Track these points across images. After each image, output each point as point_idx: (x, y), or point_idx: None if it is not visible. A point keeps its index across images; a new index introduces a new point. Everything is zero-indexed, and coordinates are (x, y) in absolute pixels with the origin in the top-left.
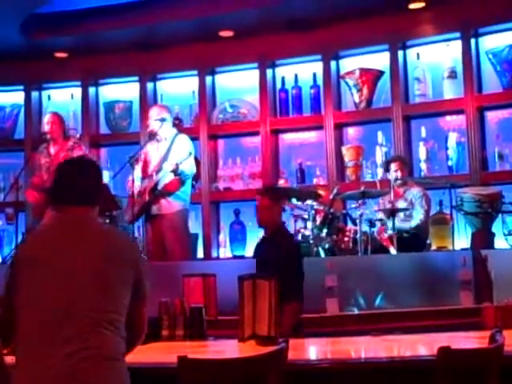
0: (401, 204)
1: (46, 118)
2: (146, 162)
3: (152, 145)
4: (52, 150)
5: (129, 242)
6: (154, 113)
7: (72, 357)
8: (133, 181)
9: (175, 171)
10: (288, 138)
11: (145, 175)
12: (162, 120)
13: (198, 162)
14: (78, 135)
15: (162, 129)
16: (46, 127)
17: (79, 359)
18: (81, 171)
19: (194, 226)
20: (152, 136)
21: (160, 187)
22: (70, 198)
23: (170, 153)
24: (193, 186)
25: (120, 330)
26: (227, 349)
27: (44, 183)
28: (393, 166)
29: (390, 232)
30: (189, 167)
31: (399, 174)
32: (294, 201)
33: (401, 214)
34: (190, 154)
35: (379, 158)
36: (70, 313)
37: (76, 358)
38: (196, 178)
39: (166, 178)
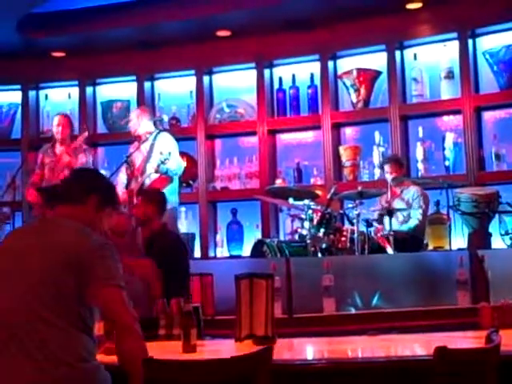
0: (398, 204)
1: (56, 120)
2: (133, 164)
3: (137, 146)
4: (58, 150)
5: (76, 237)
6: (135, 115)
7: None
8: (127, 183)
9: (157, 169)
10: (285, 137)
11: (131, 177)
12: (149, 121)
13: (194, 161)
14: (86, 134)
15: (141, 128)
16: (55, 129)
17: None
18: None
19: (191, 226)
20: (139, 139)
21: (146, 187)
22: (53, 197)
23: (152, 152)
24: (190, 186)
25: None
26: (223, 348)
27: (42, 182)
28: (386, 168)
29: (386, 232)
30: (174, 165)
31: (392, 174)
32: (291, 200)
33: (399, 216)
34: (170, 153)
35: (376, 158)
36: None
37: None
38: (193, 177)
39: (151, 178)
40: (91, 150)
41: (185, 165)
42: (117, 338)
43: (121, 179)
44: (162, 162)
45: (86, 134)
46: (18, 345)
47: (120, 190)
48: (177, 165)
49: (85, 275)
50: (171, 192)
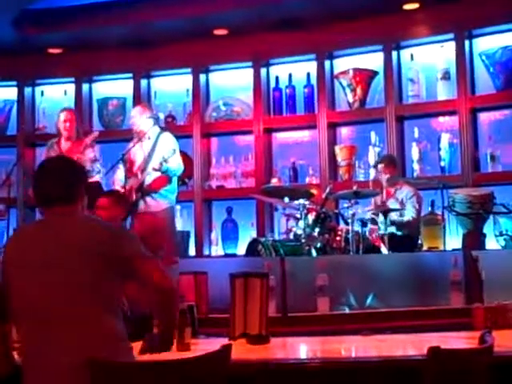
0: (392, 204)
1: (63, 116)
2: (130, 161)
3: (135, 144)
4: (64, 146)
5: (91, 228)
6: (139, 112)
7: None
8: (113, 182)
9: (160, 169)
10: (281, 136)
11: (130, 174)
12: (152, 118)
13: (190, 160)
14: (96, 134)
15: (143, 125)
16: (61, 124)
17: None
18: (45, 174)
19: (186, 224)
20: (142, 136)
21: (146, 185)
22: (40, 201)
23: (154, 152)
24: (185, 184)
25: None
26: (217, 347)
27: None
28: (380, 168)
29: (381, 232)
30: (175, 165)
31: (386, 174)
32: (286, 199)
33: (393, 214)
34: (174, 151)
35: (372, 157)
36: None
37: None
38: (189, 175)
39: (151, 176)
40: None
41: (182, 167)
42: (160, 303)
43: (118, 176)
44: (165, 160)
45: (97, 133)
46: (62, 328)
47: (118, 186)
48: (177, 165)
49: (116, 260)
50: (171, 191)
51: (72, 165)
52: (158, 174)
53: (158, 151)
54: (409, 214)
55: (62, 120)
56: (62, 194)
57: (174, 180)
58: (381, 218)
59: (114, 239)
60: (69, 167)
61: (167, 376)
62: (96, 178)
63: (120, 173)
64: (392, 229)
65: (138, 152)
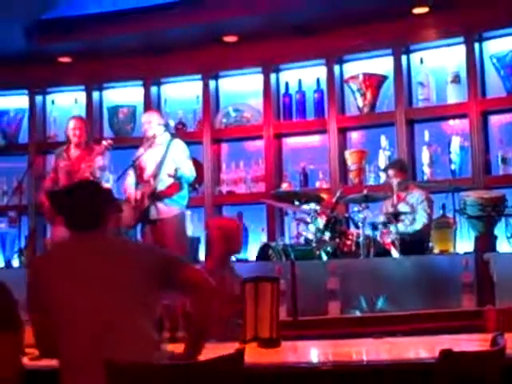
0: (403, 208)
1: (72, 124)
2: (140, 167)
3: (146, 151)
4: (73, 154)
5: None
6: (154, 118)
7: None
8: (124, 189)
9: (174, 176)
10: (291, 141)
11: (141, 181)
12: (163, 125)
13: (200, 165)
14: (108, 142)
15: (157, 131)
16: (71, 132)
17: None
18: (75, 201)
19: (197, 229)
20: (153, 142)
21: (159, 192)
22: (71, 227)
23: (166, 158)
24: (196, 190)
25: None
26: (227, 352)
27: (55, 186)
28: (390, 172)
29: (392, 236)
30: (188, 171)
31: (396, 179)
32: (296, 204)
33: (404, 219)
34: (188, 156)
35: (382, 161)
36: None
37: None
38: (199, 181)
39: (164, 183)
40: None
41: (195, 175)
42: (202, 302)
43: (129, 182)
44: (179, 167)
45: (110, 141)
46: (114, 338)
47: (131, 192)
48: (190, 172)
49: (156, 269)
50: (182, 197)
51: (100, 190)
52: (171, 180)
53: (169, 158)
54: (420, 219)
55: (71, 127)
56: (93, 222)
57: (185, 186)
58: (391, 222)
59: (149, 250)
60: (98, 194)
61: (182, 378)
62: (106, 185)
63: (130, 179)
64: (402, 232)
65: (148, 158)
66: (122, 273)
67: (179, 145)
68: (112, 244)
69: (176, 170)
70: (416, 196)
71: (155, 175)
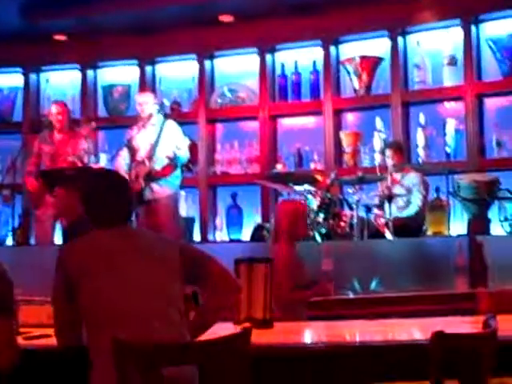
0: (398, 190)
1: (55, 109)
2: (133, 148)
3: (139, 131)
4: (56, 138)
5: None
6: (150, 98)
7: None
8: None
9: (173, 158)
10: (286, 123)
11: (133, 161)
12: (157, 106)
13: (195, 146)
14: (94, 125)
15: (146, 113)
16: (54, 117)
17: None
18: (110, 194)
19: (191, 210)
20: (147, 122)
21: (154, 172)
22: (103, 221)
23: (160, 139)
24: (190, 170)
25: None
26: (221, 332)
27: (37, 170)
28: (387, 153)
29: (386, 218)
30: (184, 153)
31: (393, 160)
32: (290, 185)
33: (399, 201)
34: (184, 139)
35: (377, 143)
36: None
37: None
38: (194, 161)
39: (159, 164)
40: (93, 136)
41: (189, 155)
42: (222, 293)
43: (120, 163)
44: (178, 149)
45: (94, 124)
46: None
47: (124, 172)
48: (185, 153)
49: (187, 262)
50: (176, 177)
51: (127, 182)
52: (166, 161)
53: (164, 139)
54: (415, 202)
55: (54, 113)
56: (126, 215)
57: (179, 167)
58: (386, 204)
59: (184, 246)
60: (127, 186)
61: (189, 357)
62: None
63: (122, 160)
64: (397, 214)
65: (141, 139)
66: (156, 269)
67: (173, 126)
68: (146, 239)
69: (174, 153)
70: (411, 178)
71: (150, 156)
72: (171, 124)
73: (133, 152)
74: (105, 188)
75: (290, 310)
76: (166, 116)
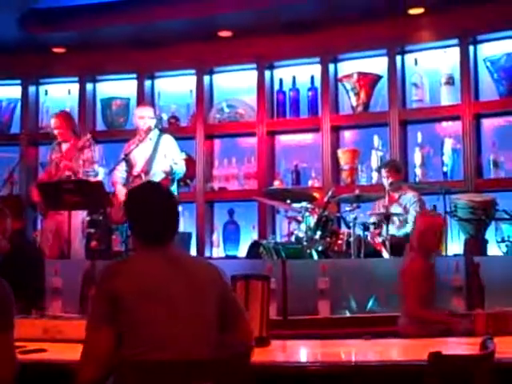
0: (395, 209)
1: (52, 123)
2: (130, 162)
3: (136, 145)
4: (64, 147)
5: (213, 268)
6: (149, 112)
7: None
8: (112, 183)
9: (170, 172)
10: (284, 139)
11: (130, 176)
12: (155, 120)
13: (192, 160)
14: (89, 136)
15: (147, 127)
16: (54, 131)
17: None
18: (160, 210)
19: (188, 225)
20: (145, 137)
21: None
22: (150, 237)
23: (156, 153)
24: (187, 185)
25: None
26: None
27: (51, 179)
28: (383, 172)
29: (383, 236)
30: (180, 167)
31: (389, 179)
32: (288, 202)
33: (396, 220)
34: (181, 154)
35: (375, 162)
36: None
37: None
38: (191, 177)
39: (155, 178)
40: (96, 145)
41: (185, 170)
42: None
43: (117, 177)
44: (175, 163)
45: (89, 135)
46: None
47: (120, 187)
48: (181, 167)
49: (222, 299)
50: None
51: (173, 196)
52: (163, 176)
53: (160, 153)
54: (411, 221)
55: (52, 127)
56: (171, 233)
57: (175, 181)
58: (383, 223)
59: (223, 278)
60: (175, 203)
61: (193, 375)
62: (96, 178)
63: (119, 174)
64: (394, 233)
65: (138, 154)
66: (200, 297)
67: (169, 140)
68: (193, 264)
69: (171, 167)
70: (409, 197)
71: (146, 171)
72: (167, 138)
73: (130, 166)
74: (154, 202)
75: (416, 323)
76: (163, 130)
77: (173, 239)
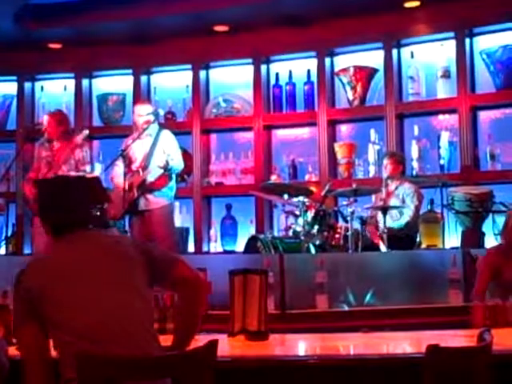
0: (393, 201)
1: (45, 121)
2: (129, 158)
3: (135, 140)
4: (55, 145)
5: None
6: (147, 108)
7: None
8: (111, 178)
9: (165, 167)
10: (281, 133)
11: (129, 171)
12: (154, 115)
13: (189, 156)
14: (86, 132)
15: (151, 124)
16: (45, 129)
17: None
18: (70, 196)
19: (185, 220)
20: (142, 132)
21: (148, 183)
22: (67, 224)
23: (155, 149)
24: (184, 181)
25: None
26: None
27: (40, 177)
28: (385, 162)
29: (380, 230)
30: (177, 162)
31: (389, 169)
32: (285, 197)
33: (392, 213)
34: (178, 148)
35: (371, 155)
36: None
37: None
38: (188, 172)
39: (154, 174)
40: (88, 144)
41: (183, 166)
42: (191, 298)
43: (117, 173)
44: (171, 159)
45: (87, 131)
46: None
47: (119, 182)
48: (179, 162)
49: (149, 263)
50: (170, 188)
51: (90, 185)
52: (161, 171)
53: (159, 149)
54: (406, 214)
55: (45, 125)
56: (86, 219)
57: (173, 177)
58: (380, 216)
59: (141, 244)
60: (89, 188)
61: (153, 371)
62: (91, 175)
63: (118, 169)
64: (390, 225)
65: (137, 149)
66: (125, 273)
67: (168, 135)
68: (110, 243)
69: (167, 162)
70: (405, 188)
71: (144, 166)
72: (166, 134)
73: (128, 162)
74: (58, 191)
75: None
76: (161, 126)
77: (85, 226)
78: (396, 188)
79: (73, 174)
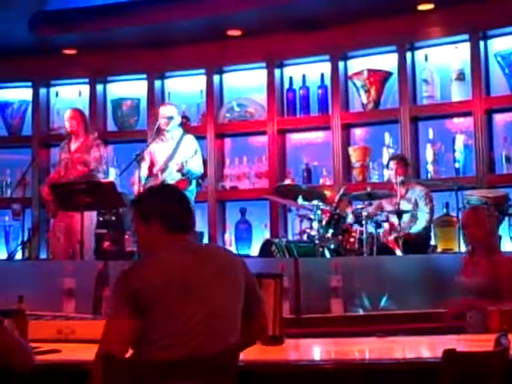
0: (404, 205)
1: (67, 114)
2: (151, 161)
3: (158, 144)
4: (72, 147)
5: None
6: (168, 109)
7: None
8: (139, 180)
9: (181, 170)
10: (295, 137)
11: (150, 174)
12: (170, 118)
13: (204, 160)
14: (96, 134)
15: (170, 127)
16: (67, 123)
17: None
18: (180, 202)
19: (200, 225)
20: (158, 132)
21: None
22: (175, 228)
23: (176, 152)
24: (199, 185)
25: None
26: None
27: (61, 179)
28: (391, 165)
29: (395, 233)
30: (196, 167)
31: (397, 173)
32: (300, 201)
33: (405, 217)
34: (196, 152)
35: (386, 159)
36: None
37: None
38: (203, 176)
39: (172, 177)
40: (104, 145)
41: (203, 171)
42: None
43: (137, 175)
44: (186, 161)
45: (96, 134)
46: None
47: (137, 186)
48: (198, 167)
49: (246, 286)
50: (190, 192)
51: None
52: (179, 175)
53: (180, 152)
54: (422, 218)
55: (66, 118)
56: (193, 223)
57: (193, 182)
58: (395, 220)
59: (245, 266)
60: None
61: (179, 372)
62: (108, 178)
63: (141, 172)
64: (404, 230)
65: (159, 152)
66: (229, 285)
67: (190, 140)
68: (218, 254)
69: (182, 165)
70: (417, 191)
71: (163, 169)
72: (189, 138)
73: (150, 164)
74: (173, 196)
75: None
76: (185, 131)
77: (193, 229)
78: (407, 191)
79: (92, 165)
